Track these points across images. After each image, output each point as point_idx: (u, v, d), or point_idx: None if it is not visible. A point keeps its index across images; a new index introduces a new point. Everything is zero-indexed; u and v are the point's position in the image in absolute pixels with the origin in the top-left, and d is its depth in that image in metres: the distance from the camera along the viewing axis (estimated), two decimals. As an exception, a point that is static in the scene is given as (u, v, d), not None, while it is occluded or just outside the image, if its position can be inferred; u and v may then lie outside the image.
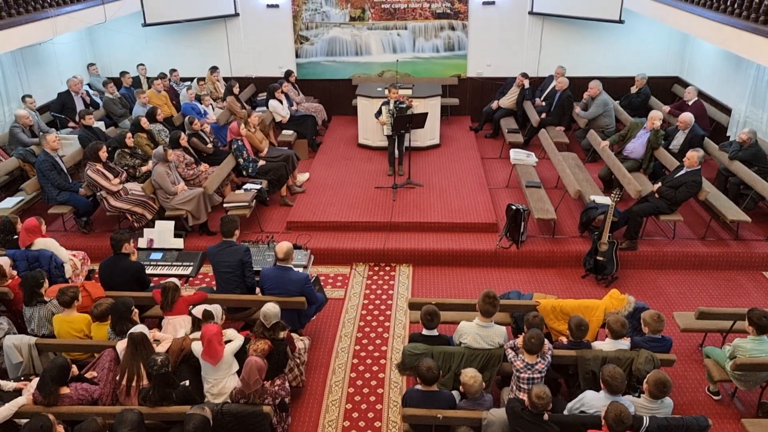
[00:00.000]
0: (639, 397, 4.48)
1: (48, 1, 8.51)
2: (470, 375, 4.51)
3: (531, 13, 11.49)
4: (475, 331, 4.99)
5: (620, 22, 10.62)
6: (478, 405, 4.56)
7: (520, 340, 4.84)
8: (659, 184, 7.58)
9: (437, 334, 5.11)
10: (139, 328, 4.87)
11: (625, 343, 5.01)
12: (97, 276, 6.07)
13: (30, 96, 9.45)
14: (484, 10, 11.59)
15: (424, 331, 5.11)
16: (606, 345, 5.02)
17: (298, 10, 11.70)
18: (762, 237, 7.77)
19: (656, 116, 8.64)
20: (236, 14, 11.70)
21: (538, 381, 4.69)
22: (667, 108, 10.24)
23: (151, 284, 6.19)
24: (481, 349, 4.96)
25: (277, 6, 11.66)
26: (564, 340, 5.22)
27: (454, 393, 4.73)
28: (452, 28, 11.76)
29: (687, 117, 8.72)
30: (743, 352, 5.02)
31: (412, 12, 11.66)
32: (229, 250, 5.89)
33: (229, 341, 4.94)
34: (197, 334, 4.93)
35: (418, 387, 4.58)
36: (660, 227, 7.95)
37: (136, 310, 5.26)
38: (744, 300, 6.90)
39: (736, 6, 7.20)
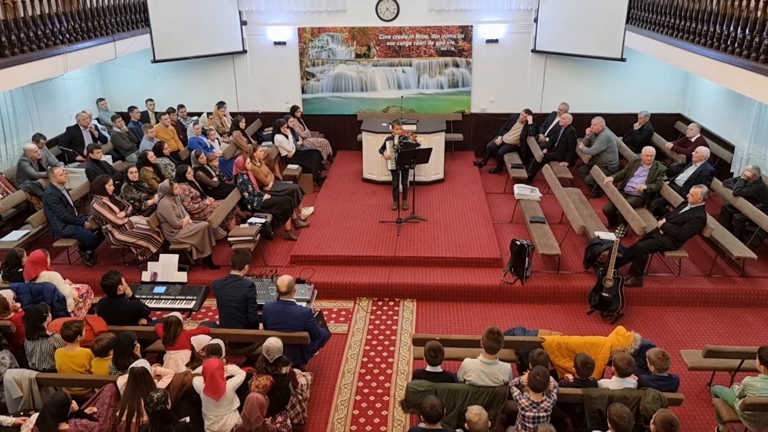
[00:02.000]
0: (647, 437, 4.40)
1: (60, 38, 8.69)
2: (475, 412, 4.43)
3: (534, 51, 11.68)
4: (479, 368, 4.93)
5: (622, 60, 10.77)
6: (483, 444, 4.48)
7: (525, 378, 4.79)
8: (663, 220, 7.58)
9: (441, 370, 5.06)
10: (141, 362, 4.83)
11: (631, 381, 4.94)
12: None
13: (44, 138, 9.51)
14: (488, 48, 11.80)
15: (428, 368, 5.06)
16: (612, 383, 4.95)
17: (305, 47, 11.93)
18: (768, 274, 7.72)
19: (647, 152, 8.74)
20: (244, 51, 11.94)
21: (544, 419, 4.61)
22: (670, 144, 10.32)
23: (154, 318, 6.17)
24: (486, 386, 4.89)
25: (284, 43, 11.90)
26: (570, 377, 5.15)
27: (458, 431, 4.65)
28: (456, 65, 11.94)
29: (704, 150, 8.83)
30: (753, 391, 4.93)
31: (416, 49, 11.86)
32: (235, 284, 5.89)
33: (231, 377, 4.90)
34: (199, 370, 4.89)
35: (422, 425, 4.50)
36: (665, 263, 7.91)
37: (138, 345, 5.23)
38: (752, 338, 6.82)
39: (736, 45, 7.29)
